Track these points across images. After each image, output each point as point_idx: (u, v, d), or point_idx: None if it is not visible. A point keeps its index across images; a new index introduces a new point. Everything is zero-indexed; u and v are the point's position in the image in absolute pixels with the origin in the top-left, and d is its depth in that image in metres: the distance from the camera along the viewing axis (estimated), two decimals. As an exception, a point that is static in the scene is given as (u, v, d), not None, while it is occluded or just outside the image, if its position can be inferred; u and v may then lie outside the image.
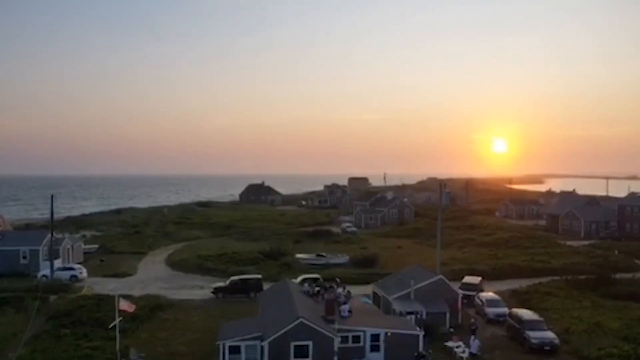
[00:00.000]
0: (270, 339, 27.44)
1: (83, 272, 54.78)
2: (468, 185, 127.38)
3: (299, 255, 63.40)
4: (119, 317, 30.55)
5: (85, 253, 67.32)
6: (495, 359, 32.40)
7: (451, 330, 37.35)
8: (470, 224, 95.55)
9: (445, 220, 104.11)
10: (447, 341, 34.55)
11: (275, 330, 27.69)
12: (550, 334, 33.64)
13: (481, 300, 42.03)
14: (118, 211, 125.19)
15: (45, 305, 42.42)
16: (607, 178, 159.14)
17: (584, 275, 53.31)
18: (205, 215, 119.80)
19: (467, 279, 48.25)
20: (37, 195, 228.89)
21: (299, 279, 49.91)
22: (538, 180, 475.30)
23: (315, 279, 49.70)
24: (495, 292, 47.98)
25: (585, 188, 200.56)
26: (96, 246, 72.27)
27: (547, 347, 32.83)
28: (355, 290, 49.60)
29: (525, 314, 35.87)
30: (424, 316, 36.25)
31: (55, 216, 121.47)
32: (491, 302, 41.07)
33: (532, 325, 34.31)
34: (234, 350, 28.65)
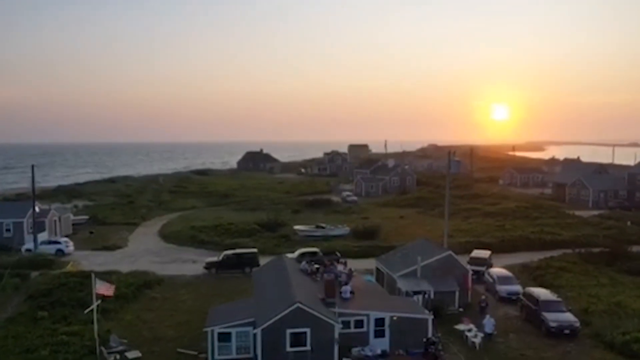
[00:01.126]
0: (263, 326, 24.64)
1: (69, 246, 51.97)
2: (472, 152, 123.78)
3: (297, 227, 60.54)
4: (97, 300, 27.63)
5: (74, 225, 64.45)
6: (510, 344, 29.68)
7: (460, 310, 34.70)
8: (475, 192, 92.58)
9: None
10: (457, 324, 31.96)
11: (270, 316, 24.88)
12: (570, 317, 30.92)
13: (491, 277, 39.28)
14: (112, 180, 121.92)
15: (25, 283, 39.72)
16: (614, 145, 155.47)
17: (597, 248, 50.59)
18: (202, 184, 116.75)
19: (476, 253, 45.44)
20: (33, 163, 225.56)
21: (297, 253, 47.15)
22: (539, 147, 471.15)
23: (314, 253, 46.96)
24: (505, 267, 45.36)
25: (589, 155, 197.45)
26: (86, 217, 69.38)
27: (566, 331, 30.15)
28: (356, 264, 46.97)
29: (542, 293, 33.08)
30: (432, 296, 33.50)
31: (48, 185, 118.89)
32: (503, 279, 38.31)
33: (550, 306, 31.55)
34: (224, 337, 25.94)
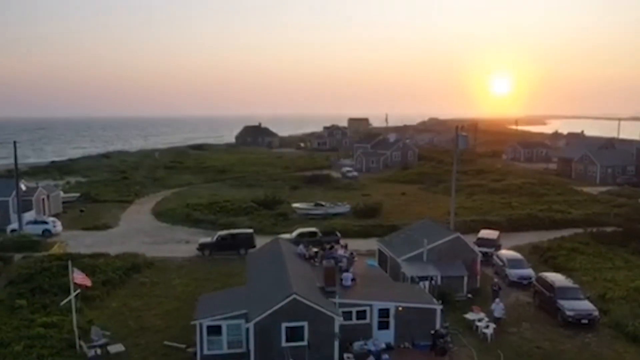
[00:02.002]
0: (256, 320, 22.39)
1: (57, 226, 49.65)
2: (476, 127, 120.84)
3: (295, 205, 58.17)
4: (75, 290, 25.35)
5: (64, 202, 62.07)
6: (523, 334, 27.54)
7: (469, 296, 32.53)
8: (479, 168, 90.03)
9: (451, 164, 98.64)
10: (465, 312, 29.82)
11: (263, 309, 22.62)
12: (588, 305, 28.70)
13: (501, 260, 37.04)
14: (107, 155, 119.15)
15: (7, 267, 37.50)
16: (619, 119, 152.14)
17: (609, 227, 48.41)
18: (198, 159, 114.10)
19: (484, 233, 43.11)
20: (27, 138, 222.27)
21: (295, 233, 44.89)
22: (540, 121, 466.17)
23: (313, 234, 44.73)
24: (513, 248, 43.14)
25: (593, 129, 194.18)
26: (77, 195, 66.90)
27: (584, 321, 27.99)
28: (357, 244, 44.88)
29: (557, 279, 30.81)
30: (439, 281, 31.27)
31: (40, 161, 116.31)
32: (513, 262, 36.05)
33: (566, 293, 29.32)
34: (214, 330, 23.73)
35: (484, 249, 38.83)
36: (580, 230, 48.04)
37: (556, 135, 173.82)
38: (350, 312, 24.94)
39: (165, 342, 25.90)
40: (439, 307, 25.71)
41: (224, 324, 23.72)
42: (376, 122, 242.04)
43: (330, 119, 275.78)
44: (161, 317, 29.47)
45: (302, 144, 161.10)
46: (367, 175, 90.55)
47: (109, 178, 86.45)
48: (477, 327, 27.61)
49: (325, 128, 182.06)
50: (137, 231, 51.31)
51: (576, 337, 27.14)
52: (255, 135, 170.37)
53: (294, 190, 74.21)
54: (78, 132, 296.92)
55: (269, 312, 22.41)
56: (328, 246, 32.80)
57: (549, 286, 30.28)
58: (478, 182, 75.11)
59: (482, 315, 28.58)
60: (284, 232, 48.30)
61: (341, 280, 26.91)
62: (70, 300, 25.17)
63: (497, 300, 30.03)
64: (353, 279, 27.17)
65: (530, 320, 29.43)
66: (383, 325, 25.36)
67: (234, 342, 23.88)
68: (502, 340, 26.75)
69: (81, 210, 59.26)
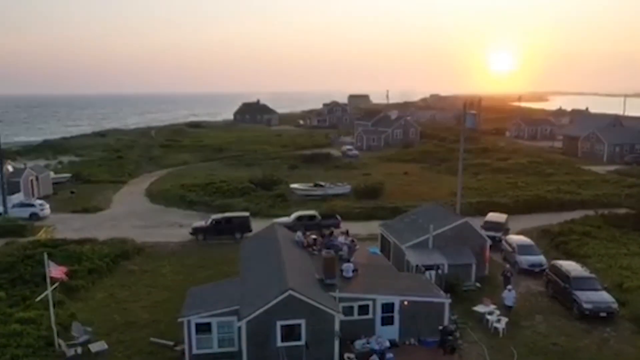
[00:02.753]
0: (248, 318, 20.42)
1: (45, 209, 47.58)
2: (480, 103, 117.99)
3: (293, 186, 56.04)
4: (52, 285, 23.34)
5: (55, 184, 59.95)
6: (537, 329, 25.65)
7: (477, 285, 30.62)
8: (483, 146, 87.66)
9: (454, 142, 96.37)
10: (474, 302, 27.99)
11: (256, 306, 20.64)
12: (606, 297, 26.77)
13: (510, 245, 35.04)
14: (102, 134, 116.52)
15: (-11, 254, 35.49)
16: (625, 95, 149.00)
17: (621, 209, 46.39)
18: (196, 137, 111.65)
19: (491, 216, 40.99)
20: (21, 116, 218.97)
21: (293, 216, 42.89)
22: (542, 98, 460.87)
23: (312, 217, 42.72)
24: (522, 232, 41.22)
25: (597, 106, 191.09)
26: (68, 175, 64.71)
27: (602, 314, 26.10)
28: (358, 228, 43.01)
29: (573, 268, 28.79)
30: (446, 270, 29.30)
31: (33, 140, 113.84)
32: (523, 248, 34.05)
33: (583, 284, 27.35)
34: (203, 327, 21.81)
35: (492, 233, 36.60)
36: (590, 212, 45.96)
37: (560, 112, 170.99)
38: (352, 307, 23.00)
39: (152, 339, 24.01)
40: (447, 301, 23.75)
41: (214, 321, 21.79)
42: (377, 99, 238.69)
43: (330, 96, 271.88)
44: (149, 309, 27.56)
45: (301, 122, 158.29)
46: (368, 154, 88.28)
47: (103, 157, 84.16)
48: (487, 320, 25.73)
49: (325, 105, 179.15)
50: (129, 214, 49.31)
51: (594, 331, 25.25)
52: (253, 112, 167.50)
53: (292, 170, 72.09)
54: (74, 110, 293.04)
55: (262, 309, 20.42)
56: (328, 232, 30.75)
57: (564, 276, 28.32)
58: (482, 161, 72.91)
59: (492, 307, 26.68)
60: (281, 215, 46.37)
61: (341, 271, 24.92)
62: (49, 295, 23.17)
63: (508, 287, 28.20)
64: (354, 270, 25.17)
65: (543, 312, 27.52)
66: (387, 321, 23.44)
67: (225, 340, 21.98)
68: (514, 335, 24.87)
69: (72, 192, 57.16)
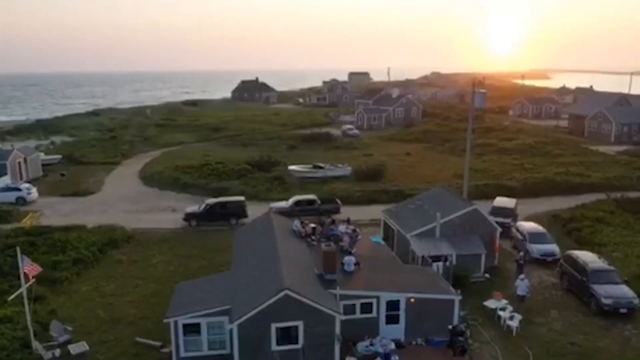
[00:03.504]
0: (240, 320, 18.56)
1: (32, 193, 45.58)
2: (484, 81, 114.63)
3: (292, 167, 53.92)
4: (27, 282, 21.40)
5: (45, 165, 57.87)
6: (553, 326, 23.83)
7: (486, 276, 28.79)
8: (487, 125, 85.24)
9: (457, 122, 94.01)
10: (483, 295, 26.24)
11: (249, 307, 18.76)
12: (626, 291, 24.91)
13: (521, 233, 33.11)
14: (95, 113, 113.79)
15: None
16: (632, 73, 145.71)
17: (634, 192, 44.45)
18: (192, 116, 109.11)
19: (499, 201, 38.95)
20: (15, 95, 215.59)
21: (291, 200, 40.93)
22: (544, 75, 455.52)
23: (311, 201, 40.77)
24: (531, 217, 39.38)
25: (602, 84, 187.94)
26: (59, 157, 62.53)
27: (622, 310, 24.29)
28: (359, 213, 41.16)
29: (590, 260, 26.89)
30: (454, 261, 27.41)
31: (25, 119, 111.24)
32: (535, 236, 32.10)
33: (601, 277, 25.49)
34: (192, 328, 19.99)
35: (500, 220, 34.61)
36: (601, 196, 44.02)
37: (563, 90, 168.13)
38: (354, 305, 21.16)
39: (137, 339, 22.21)
40: (457, 298, 21.89)
41: (203, 322, 19.96)
42: (377, 77, 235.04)
43: (330, 73, 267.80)
44: (136, 304, 25.73)
45: (300, 100, 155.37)
46: (369, 134, 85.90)
47: (96, 137, 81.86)
48: (499, 317, 23.92)
49: (325, 83, 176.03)
50: (121, 197, 47.32)
51: (614, 329, 23.47)
52: (252, 90, 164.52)
53: (291, 150, 69.91)
54: (69, 88, 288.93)
55: (255, 311, 18.55)
56: (328, 220, 28.79)
57: (580, 268, 26.44)
58: (487, 141, 70.63)
59: (505, 302, 24.87)
60: (279, 199, 44.47)
61: (342, 264, 23.02)
62: (24, 293, 21.27)
63: (521, 276, 26.50)
64: (356, 263, 23.26)
65: (558, 307, 25.72)
66: (392, 320, 21.63)
67: (216, 342, 20.19)
68: (528, 333, 23.08)
69: (62, 174, 55.04)
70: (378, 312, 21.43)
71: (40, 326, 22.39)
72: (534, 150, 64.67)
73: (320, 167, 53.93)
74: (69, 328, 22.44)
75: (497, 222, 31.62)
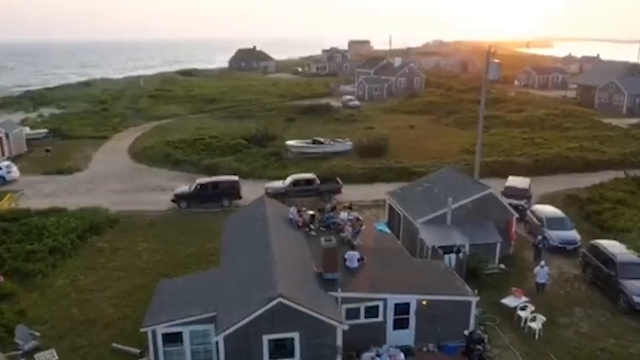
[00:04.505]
0: (227, 332, 16.04)
1: (13, 171, 42.76)
2: (490, 50, 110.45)
3: (289, 143, 50.99)
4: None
5: (30, 140, 54.93)
6: (579, 328, 21.36)
7: (502, 267, 26.28)
8: (493, 96, 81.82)
9: (462, 92, 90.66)
10: (498, 290, 23.82)
11: (237, 316, 16.23)
12: (661, 287, 22.44)
13: (538, 218, 30.49)
14: (87, 83, 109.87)
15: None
16: (639, 41, 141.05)
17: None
18: (187, 87, 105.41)
19: (512, 181, 36.16)
20: (7, 64, 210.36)
21: (288, 180, 38.16)
22: (546, 44, 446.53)
23: (310, 181, 38.03)
24: (545, 198, 36.84)
25: (608, 53, 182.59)
26: (45, 131, 59.47)
27: (657, 309, 21.84)
28: (361, 192, 38.62)
29: (619, 251, 24.29)
30: (467, 251, 24.83)
31: (14, 90, 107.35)
32: (554, 222, 29.49)
33: (632, 271, 22.94)
34: (173, 337, 17.51)
35: (514, 202, 31.99)
36: (619, 174, 41.37)
37: (569, 59, 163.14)
38: (358, 309, 18.67)
39: (114, 345, 19.75)
40: (474, 299, 19.36)
41: (185, 331, 17.46)
42: (378, 45, 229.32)
43: (330, 42, 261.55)
44: (116, 301, 23.22)
45: (299, 69, 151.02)
46: (370, 105, 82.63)
47: (86, 109, 78.60)
48: (519, 317, 21.46)
49: (324, 51, 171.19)
50: (108, 175, 44.57)
51: (647, 330, 21.06)
52: (249, 59, 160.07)
53: (289, 123, 66.85)
54: (64, 58, 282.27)
55: (244, 321, 16.02)
56: (328, 206, 26.13)
57: (607, 260, 23.89)
58: (494, 113, 67.45)
59: (524, 300, 22.39)
60: (275, 177, 41.79)
61: (344, 260, 20.44)
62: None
63: (542, 262, 24.25)
64: (360, 259, 20.68)
65: (583, 303, 23.26)
66: (400, 324, 19.16)
67: (200, 352, 17.73)
68: (552, 336, 20.64)
69: (47, 150, 52.11)
70: (385, 316, 18.93)
71: (5, 330, 19.92)
72: (543, 123, 61.70)
73: (320, 142, 51.05)
74: (36, 333, 19.97)
75: (510, 205, 28.96)
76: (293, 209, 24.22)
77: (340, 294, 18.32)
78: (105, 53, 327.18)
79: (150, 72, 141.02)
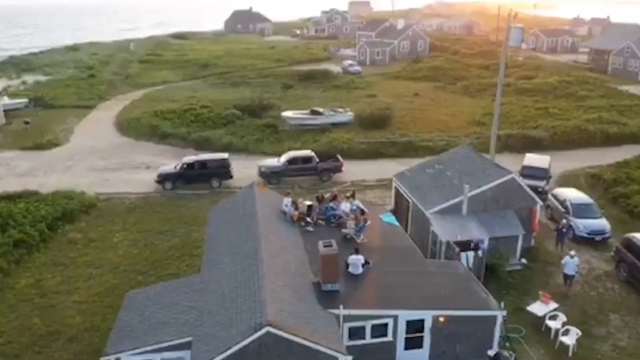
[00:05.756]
0: (205, 367, 13.06)
1: (-16, 146, 39.44)
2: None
3: (286, 114, 47.29)
4: None
5: (9, 111, 51.22)
6: (617, 340, 18.51)
7: (523, 262, 23.31)
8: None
9: (467, 57, 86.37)
10: (521, 291, 21.01)
11: (216, 348, 13.22)
12: None
13: (562, 203, 27.34)
14: (75, 48, 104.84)
15: None
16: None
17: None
18: (180, 51, 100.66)
19: (531, 159, 32.76)
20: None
21: (283, 158, 34.83)
22: (548, 5, 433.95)
23: (307, 159, 34.70)
24: (565, 178, 33.68)
25: (617, 15, 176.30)
26: (25, 101, 55.66)
27: None
28: (362, 170, 35.49)
29: (660, 246, 21.30)
30: (485, 245, 21.77)
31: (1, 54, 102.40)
32: (581, 209, 26.34)
33: (678, 272, 20.02)
34: (142, 366, 14.58)
35: (532, 183, 28.53)
36: (643, 149, 38.13)
37: (577, 21, 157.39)
38: (363, 328, 15.72)
39: (77, 367, 16.88)
40: (501, 314, 16.39)
41: (157, 359, 14.52)
42: (379, 6, 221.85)
43: (329, 2, 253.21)
44: (84, 307, 20.22)
45: (297, 32, 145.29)
46: (372, 70, 78.48)
47: (73, 76, 74.42)
48: (548, 328, 18.58)
49: (324, 13, 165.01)
50: (90, 150, 41.20)
51: (698, 344, 18.20)
52: (245, 21, 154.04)
53: (286, 90, 62.99)
54: (52, 19, 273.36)
55: (224, 355, 13.02)
56: (328, 195, 22.92)
57: (648, 258, 20.90)
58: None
59: (553, 306, 19.46)
60: (271, 153, 38.56)
61: (347, 265, 17.41)
62: None
63: (572, 252, 21.39)
64: (366, 263, 17.63)
65: (619, 309, 20.35)
66: (413, 343, 16.24)
67: (176, 383, 14.82)
68: (588, 352, 17.82)
69: (26, 122, 48.43)
70: (395, 335, 16.00)
71: (-51, 348, 17.04)
72: (557, 91, 57.91)
73: (319, 113, 47.36)
74: (-16, 355, 17.09)
75: (529, 186, 25.72)
76: (287, 200, 20.99)
77: (342, 311, 15.33)
78: (95, 15, 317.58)
79: (142, 34, 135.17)
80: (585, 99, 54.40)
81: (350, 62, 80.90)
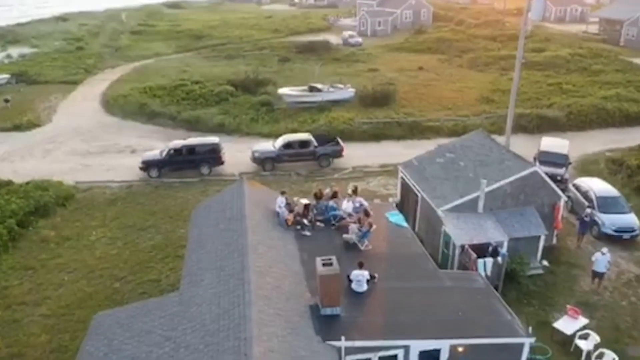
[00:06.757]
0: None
1: (-42, 128, 36.71)
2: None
3: (282, 91, 44.36)
4: None
5: (-12, 87, 48.36)
6: (657, 361, 16.30)
7: (545, 264, 20.95)
8: (509, 31, 73.94)
9: (475, 27, 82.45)
10: (543, 300, 18.71)
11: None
12: None
13: (586, 196, 24.83)
14: (64, 18, 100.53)
15: None
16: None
17: None
18: (173, 21, 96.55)
19: (548, 143, 30.06)
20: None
21: (279, 142, 32.18)
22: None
23: (304, 143, 32.07)
24: (582, 162, 31.18)
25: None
26: (7, 76, 52.56)
27: None
28: (365, 155, 32.91)
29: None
30: (505, 248, 19.36)
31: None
32: (607, 202, 23.86)
33: None
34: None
35: (550, 170, 25.92)
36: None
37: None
38: (368, 360, 13.39)
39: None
40: (528, 341, 14.04)
41: (123, 402, 12.22)
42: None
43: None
44: (52, 322, 17.88)
45: (296, 0, 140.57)
46: (373, 41, 74.87)
47: (60, 48, 70.94)
48: (578, 348, 16.30)
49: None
50: (72, 132, 38.49)
51: None
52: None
53: (283, 64, 59.81)
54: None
55: (202, 409, 10.69)
56: (327, 191, 20.38)
57: (689, 264, 18.52)
58: (512, 53, 59.75)
59: (583, 322, 17.14)
60: (265, 135, 36.03)
61: (350, 281, 15.01)
62: None
63: (604, 249, 19.38)
64: (371, 277, 15.23)
65: (654, 318, 18.10)
66: (426, 376, 13.94)
67: None
68: (625, 377, 15.57)
69: (6, 100, 45.46)
70: (406, 367, 13.69)
71: None
72: (569, 65, 54.76)
73: (318, 89, 44.39)
74: None
75: (547, 175, 23.13)
76: (281, 201, 18.44)
77: (343, 343, 12.96)
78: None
79: (135, 2, 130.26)
80: (600, 74, 51.30)
81: (350, 32, 77.23)
